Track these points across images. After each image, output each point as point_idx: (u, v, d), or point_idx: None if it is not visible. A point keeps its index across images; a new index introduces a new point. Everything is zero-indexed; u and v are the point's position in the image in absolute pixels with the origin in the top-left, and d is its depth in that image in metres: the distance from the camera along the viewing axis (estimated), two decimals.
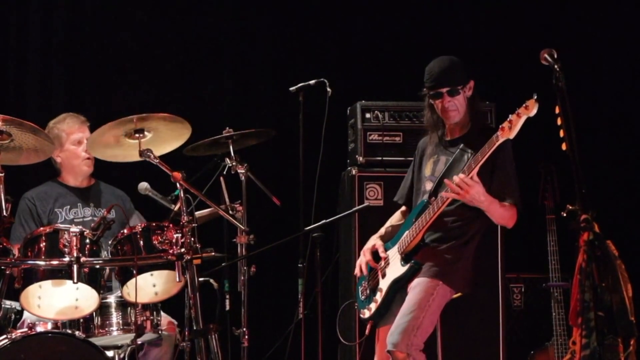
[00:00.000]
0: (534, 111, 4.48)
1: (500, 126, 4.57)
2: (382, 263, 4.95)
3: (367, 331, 5.04)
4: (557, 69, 3.80)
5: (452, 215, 4.83)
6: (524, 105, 4.50)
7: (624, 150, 7.11)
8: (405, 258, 4.83)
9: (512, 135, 4.54)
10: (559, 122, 3.73)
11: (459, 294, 4.84)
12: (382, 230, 5.11)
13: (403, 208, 5.15)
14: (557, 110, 3.74)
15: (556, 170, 6.58)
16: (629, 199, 7.07)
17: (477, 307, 5.93)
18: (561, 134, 3.71)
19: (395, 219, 5.16)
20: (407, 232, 4.86)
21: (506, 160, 4.80)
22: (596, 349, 3.62)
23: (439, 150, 4.97)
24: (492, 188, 4.74)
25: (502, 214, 4.78)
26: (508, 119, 4.54)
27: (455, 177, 4.64)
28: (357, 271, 5.05)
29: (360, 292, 5.06)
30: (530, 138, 6.88)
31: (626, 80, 7.10)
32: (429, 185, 4.93)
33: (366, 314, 4.98)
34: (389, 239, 5.03)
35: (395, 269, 4.86)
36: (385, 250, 4.97)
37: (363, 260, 5.01)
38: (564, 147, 3.71)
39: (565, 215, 3.74)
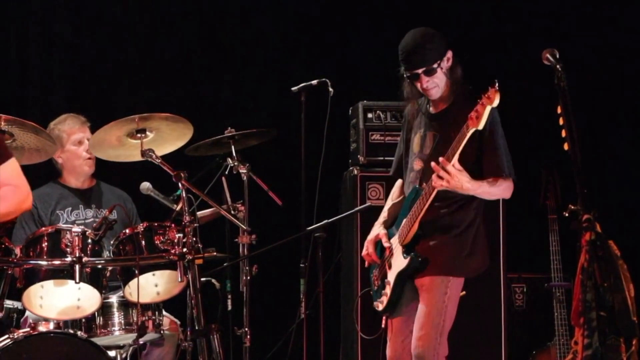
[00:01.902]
0: (496, 101, 4.33)
1: (469, 115, 4.42)
2: (387, 253, 4.86)
3: (382, 324, 4.98)
4: (559, 69, 3.80)
5: (443, 200, 4.69)
6: (486, 95, 4.36)
7: (626, 150, 7.11)
8: (406, 250, 4.72)
9: (480, 126, 4.37)
10: (560, 122, 3.73)
11: (462, 293, 4.81)
12: (385, 213, 4.98)
13: (399, 182, 5.01)
14: (558, 110, 3.74)
15: (558, 170, 6.59)
16: (631, 199, 7.07)
17: (479, 307, 5.94)
18: (563, 134, 3.71)
19: (394, 195, 5.02)
20: (404, 220, 4.76)
21: (494, 134, 4.64)
22: (598, 349, 3.62)
23: (425, 124, 4.82)
24: (484, 168, 4.62)
25: (494, 192, 4.64)
26: (475, 109, 4.40)
27: (434, 164, 4.49)
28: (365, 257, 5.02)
29: (372, 282, 5.00)
30: (532, 138, 6.94)
31: (628, 80, 7.10)
32: (418, 165, 4.79)
33: (379, 306, 4.89)
34: (393, 221, 4.92)
35: (398, 261, 4.77)
36: (390, 237, 4.85)
37: (365, 252, 4.96)
38: (565, 147, 3.71)
39: (567, 215, 3.74)
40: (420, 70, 4.69)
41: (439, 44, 4.72)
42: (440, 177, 4.48)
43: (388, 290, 4.81)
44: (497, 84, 4.35)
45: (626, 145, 7.11)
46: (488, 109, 4.36)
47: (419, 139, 4.84)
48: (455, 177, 4.47)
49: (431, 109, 4.85)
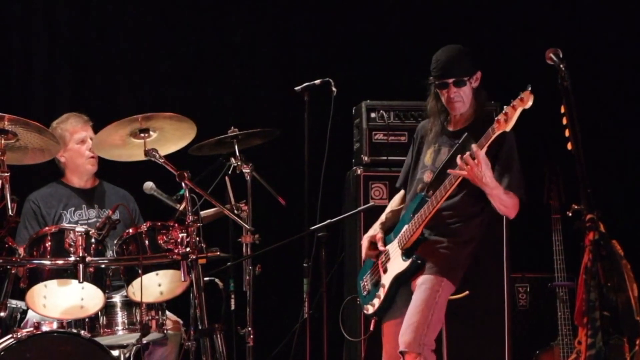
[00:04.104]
0: (529, 103, 4.39)
1: (496, 118, 4.48)
2: (383, 257, 4.92)
3: (371, 327, 5.02)
4: (563, 69, 3.80)
5: (450, 210, 4.78)
6: (519, 97, 4.41)
7: (629, 150, 7.10)
8: (407, 253, 4.79)
9: (508, 128, 4.45)
10: (564, 121, 3.73)
11: (465, 293, 4.83)
12: (383, 217, 5.07)
13: (402, 192, 5.09)
14: (562, 110, 3.74)
15: (561, 169, 6.58)
16: (634, 199, 7.06)
17: (483, 307, 5.94)
18: (566, 133, 3.71)
19: (395, 203, 5.10)
20: (406, 226, 4.81)
21: (510, 154, 4.73)
22: (602, 348, 3.62)
23: (440, 139, 4.90)
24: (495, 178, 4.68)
25: (504, 201, 4.68)
26: (503, 112, 4.45)
27: (467, 153, 4.54)
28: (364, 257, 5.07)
29: (361, 288, 5.04)
30: (536, 137, 6.94)
31: (631, 79, 7.09)
32: (428, 176, 4.86)
33: (370, 309, 4.96)
34: (390, 226, 4.99)
35: (397, 264, 4.83)
36: (386, 243, 4.92)
37: (364, 248, 5.02)
38: (569, 146, 3.71)
39: (570, 214, 3.74)
40: (450, 80, 4.80)
41: (472, 61, 4.86)
42: (466, 163, 4.54)
43: (382, 293, 4.87)
44: (530, 87, 4.40)
45: (629, 145, 7.10)
46: (519, 110, 4.43)
47: (432, 153, 4.92)
48: (481, 165, 4.53)
49: (449, 126, 4.92)
